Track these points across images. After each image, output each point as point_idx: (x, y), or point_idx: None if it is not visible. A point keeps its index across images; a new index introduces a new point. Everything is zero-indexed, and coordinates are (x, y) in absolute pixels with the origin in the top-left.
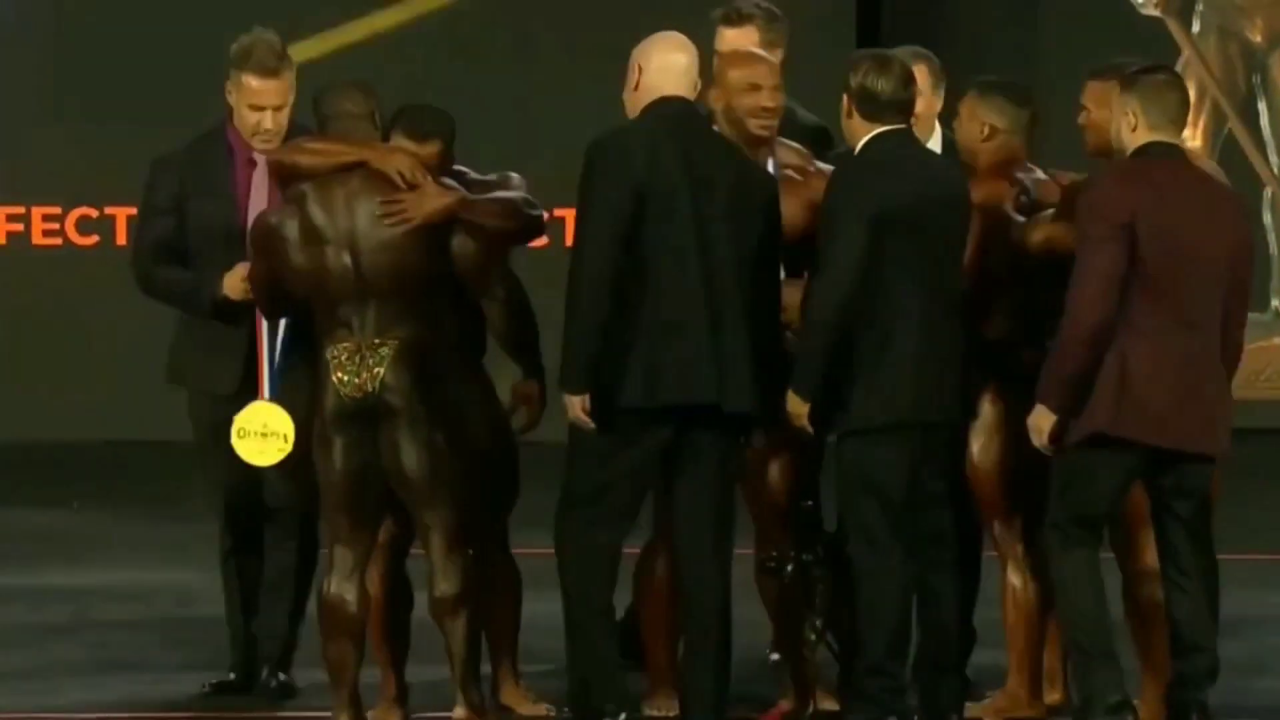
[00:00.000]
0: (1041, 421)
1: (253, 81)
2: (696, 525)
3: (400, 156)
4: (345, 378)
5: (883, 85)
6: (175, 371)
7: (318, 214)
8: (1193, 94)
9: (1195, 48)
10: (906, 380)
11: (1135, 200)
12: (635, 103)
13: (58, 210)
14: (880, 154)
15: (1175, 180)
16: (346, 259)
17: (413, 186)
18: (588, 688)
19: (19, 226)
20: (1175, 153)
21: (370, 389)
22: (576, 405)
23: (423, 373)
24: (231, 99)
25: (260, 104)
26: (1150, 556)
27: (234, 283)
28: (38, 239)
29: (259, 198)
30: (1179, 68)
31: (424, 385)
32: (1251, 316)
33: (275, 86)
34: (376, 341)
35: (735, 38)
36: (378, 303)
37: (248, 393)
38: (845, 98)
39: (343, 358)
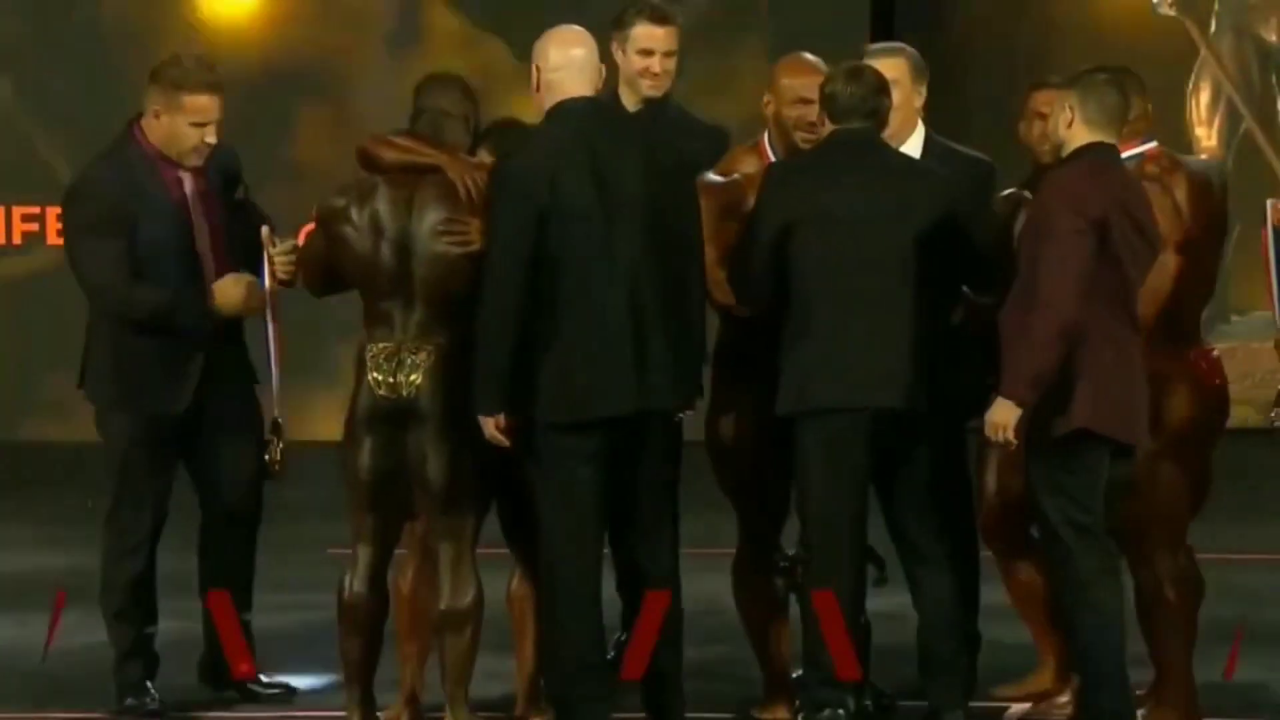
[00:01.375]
0: (1007, 416)
1: (200, 99)
2: (650, 526)
3: (476, 172)
4: (380, 378)
5: (842, 89)
6: (117, 396)
7: (383, 208)
8: (1208, 94)
9: (1211, 48)
10: (842, 368)
11: (1108, 198)
12: (540, 105)
13: None
14: (813, 154)
15: (1124, 184)
16: (400, 259)
17: (477, 204)
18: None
19: (34, 226)
20: (1115, 154)
21: (405, 393)
22: (490, 425)
23: (455, 380)
24: (161, 118)
25: (205, 120)
26: (1160, 557)
27: (230, 292)
28: (52, 239)
29: (198, 212)
30: (1195, 68)
31: (456, 392)
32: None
33: (218, 102)
34: (415, 346)
35: (664, 36)
36: (422, 307)
37: (195, 411)
38: (820, 107)
39: (380, 358)
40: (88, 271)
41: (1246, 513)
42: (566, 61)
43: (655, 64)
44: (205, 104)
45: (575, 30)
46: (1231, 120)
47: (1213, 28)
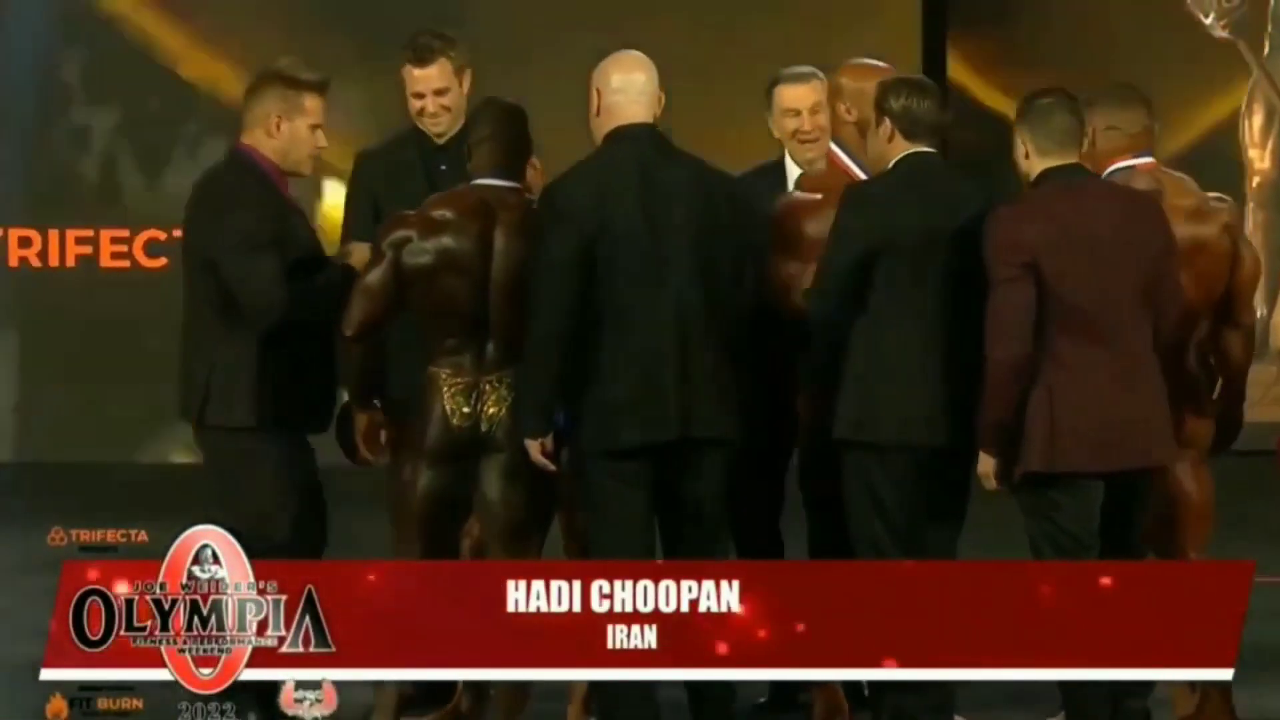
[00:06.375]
0: (987, 466)
1: (317, 100)
2: (699, 553)
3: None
4: (455, 408)
5: (922, 106)
6: (271, 416)
7: (458, 241)
8: (1262, 116)
9: (1265, 69)
10: (898, 401)
11: (1034, 238)
12: (599, 129)
13: (125, 233)
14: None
15: (1077, 208)
16: (477, 293)
17: None
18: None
19: (88, 249)
20: (1076, 175)
21: (485, 426)
22: (535, 449)
23: None
24: (281, 127)
25: (320, 122)
26: None
27: None
28: (106, 261)
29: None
30: (1249, 89)
31: None
32: None
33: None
34: (493, 377)
35: (426, 77)
36: (498, 338)
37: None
38: (886, 119)
39: (459, 390)
40: (262, 289)
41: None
42: (627, 84)
43: (429, 104)
44: (320, 104)
45: (637, 55)
46: None
47: (1266, 49)
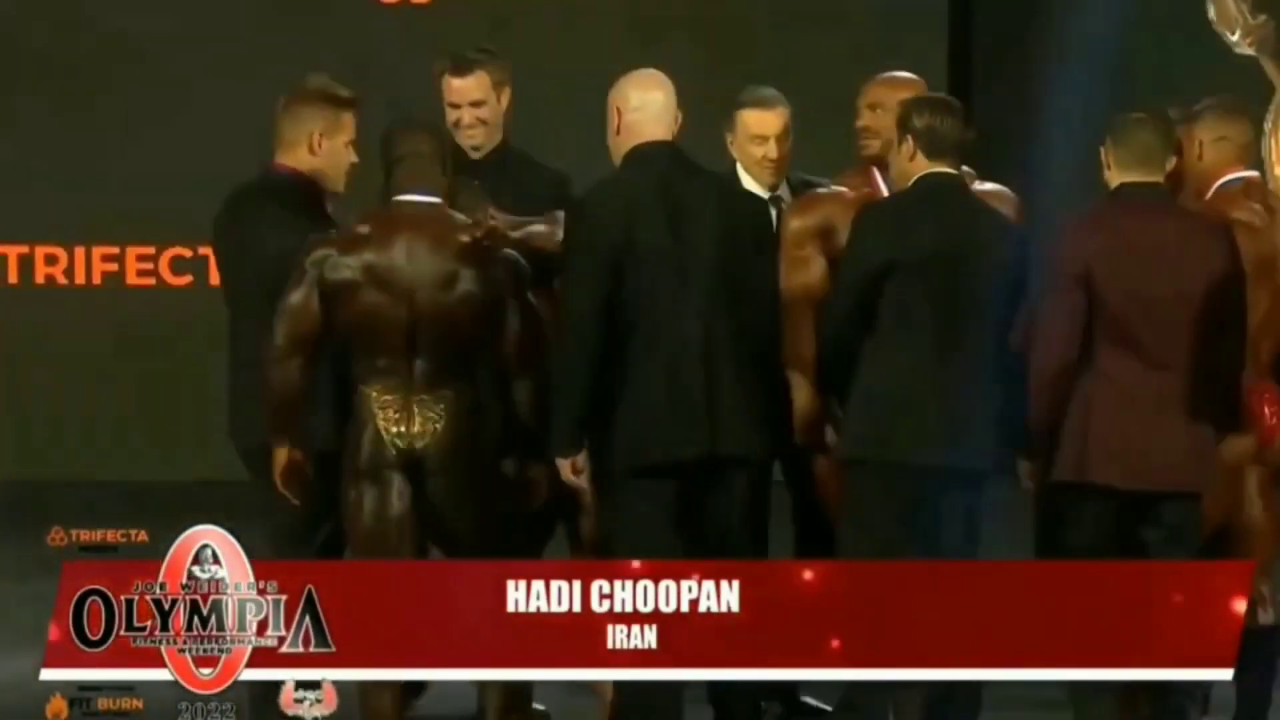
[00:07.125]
0: (1023, 468)
1: (353, 117)
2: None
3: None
4: (391, 428)
5: (945, 125)
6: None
7: (379, 256)
8: None
9: None
10: (908, 420)
11: (1091, 249)
12: (618, 147)
13: (151, 250)
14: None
15: (1142, 224)
16: (404, 309)
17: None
18: None
19: (114, 266)
20: (1150, 193)
21: (418, 445)
22: (567, 468)
23: (469, 428)
24: (323, 144)
25: (354, 138)
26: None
27: None
28: (132, 279)
29: None
30: (1273, 106)
31: (469, 440)
32: None
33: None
34: (426, 397)
35: (463, 88)
36: (429, 355)
37: None
38: (909, 137)
39: (389, 410)
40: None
41: None
42: (646, 103)
43: (464, 116)
44: (354, 121)
45: (654, 73)
46: None
47: None
